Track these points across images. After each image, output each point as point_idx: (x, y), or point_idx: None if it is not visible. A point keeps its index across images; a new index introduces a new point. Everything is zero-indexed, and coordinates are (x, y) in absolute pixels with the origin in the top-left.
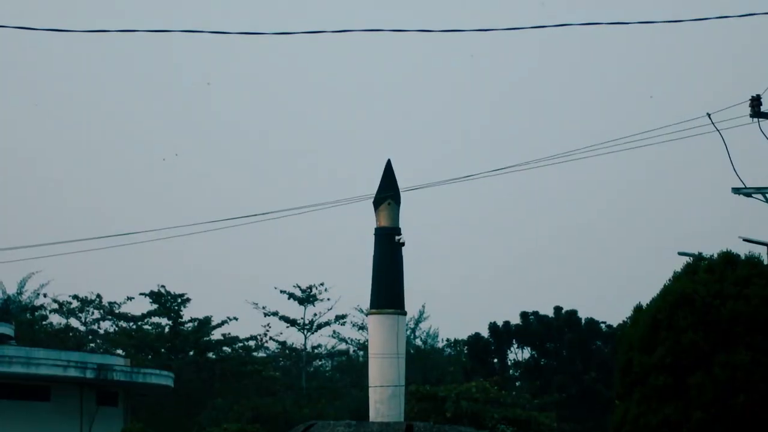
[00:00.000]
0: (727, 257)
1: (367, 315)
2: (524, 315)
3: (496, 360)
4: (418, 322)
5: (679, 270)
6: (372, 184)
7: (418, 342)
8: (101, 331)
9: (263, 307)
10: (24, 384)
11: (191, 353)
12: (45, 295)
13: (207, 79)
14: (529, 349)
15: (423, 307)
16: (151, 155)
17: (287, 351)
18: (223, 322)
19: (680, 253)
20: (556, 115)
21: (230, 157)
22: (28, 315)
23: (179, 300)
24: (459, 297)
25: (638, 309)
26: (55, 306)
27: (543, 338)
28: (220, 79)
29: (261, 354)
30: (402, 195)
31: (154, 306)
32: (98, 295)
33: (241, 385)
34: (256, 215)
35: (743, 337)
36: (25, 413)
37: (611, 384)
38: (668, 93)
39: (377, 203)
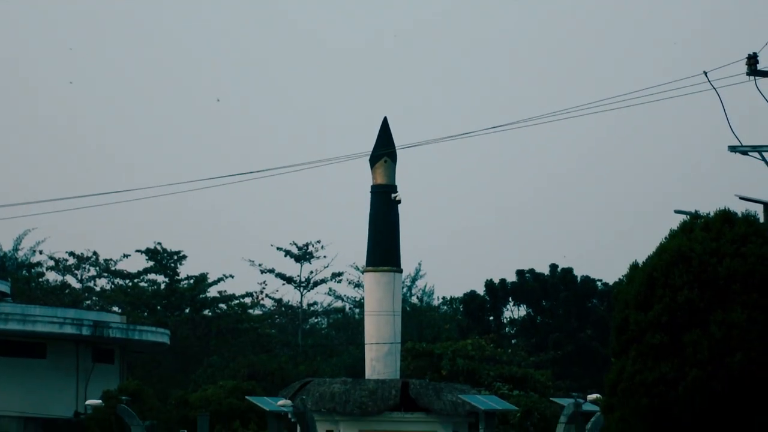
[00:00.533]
0: (724, 215)
1: (363, 272)
2: (520, 273)
3: (491, 318)
4: (414, 279)
5: (675, 228)
6: (368, 141)
7: (414, 300)
8: (97, 289)
9: (259, 265)
10: (20, 341)
11: (187, 310)
12: (41, 252)
13: (197, 33)
14: (524, 306)
15: (419, 264)
16: (150, 111)
17: (283, 308)
18: (219, 280)
19: (676, 211)
20: (551, 72)
21: (226, 114)
22: (24, 272)
23: (175, 257)
24: (455, 255)
25: (634, 267)
26: (52, 263)
27: (539, 296)
28: (214, 34)
29: (257, 311)
30: (398, 153)
31: (150, 263)
32: (94, 253)
33: (237, 342)
34: (251, 173)
35: (740, 295)
36: (22, 370)
37: (607, 342)
38: (664, 51)
39: (373, 161)
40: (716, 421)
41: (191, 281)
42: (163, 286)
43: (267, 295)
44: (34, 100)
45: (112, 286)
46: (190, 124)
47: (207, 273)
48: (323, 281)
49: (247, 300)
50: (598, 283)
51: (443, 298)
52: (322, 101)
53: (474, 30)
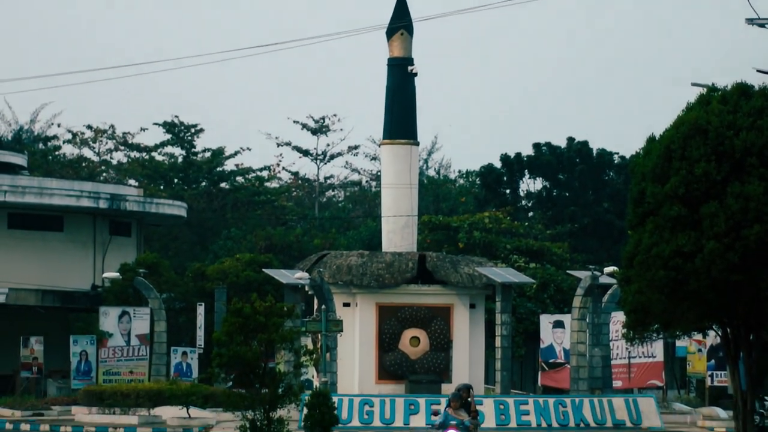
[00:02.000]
0: (741, 88)
1: (379, 146)
2: (536, 146)
3: (508, 191)
4: (430, 153)
5: (692, 101)
6: (386, 14)
7: (431, 173)
8: (114, 162)
9: (276, 138)
10: (37, 214)
11: (204, 183)
12: (58, 125)
13: None
14: (541, 179)
15: (435, 138)
16: None
17: (300, 181)
18: (236, 153)
19: (693, 84)
20: None
21: None
22: (40, 145)
23: (192, 130)
24: (471, 128)
25: (651, 140)
26: (68, 136)
27: (555, 169)
28: None
29: (274, 184)
30: (415, 25)
31: (168, 136)
32: (111, 126)
33: (254, 215)
34: (269, 45)
35: (756, 167)
36: (39, 243)
37: (624, 214)
38: None
39: (390, 33)
40: (733, 292)
41: (208, 154)
42: (180, 159)
43: (284, 168)
44: None
45: (129, 160)
46: None
47: (224, 146)
48: (340, 154)
49: (264, 173)
50: (615, 156)
51: (460, 171)
52: None
53: None
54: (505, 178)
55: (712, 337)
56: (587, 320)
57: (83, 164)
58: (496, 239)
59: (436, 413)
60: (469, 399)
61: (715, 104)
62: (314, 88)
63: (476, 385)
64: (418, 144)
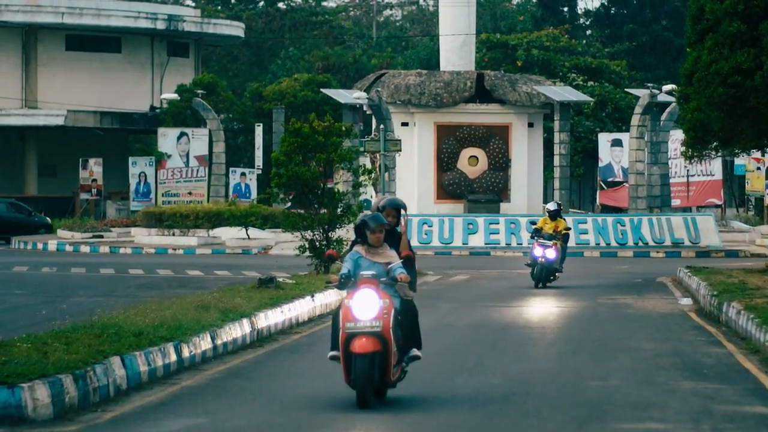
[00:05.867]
0: None
1: None
2: None
3: (566, 9)
4: None
5: None
6: None
7: None
8: None
9: None
10: (95, 36)
11: (261, 4)
12: None
13: None
14: None
15: None
16: None
17: (357, 0)
18: None
19: None
20: None
21: None
22: None
23: None
24: None
25: None
26: None
27: None
28: None
29: (331, 4)
30: None
31: None
32: None
33: (312, 35)
34: None
35: None
36: (97, 65)
37: (682, 32)
38: None
39: None
40: None
41: None
42: None
43: None
44: None
45: None
46: None
47: None
48: None
49: None
50: None
51: None
52: None
53: None
54: None
55: None
56: (646, 138)
57: None
58: (554, 57)
59: (334, 256)
60: (399, 227)
61: None
62: None
63: (534, 204)
64: None
